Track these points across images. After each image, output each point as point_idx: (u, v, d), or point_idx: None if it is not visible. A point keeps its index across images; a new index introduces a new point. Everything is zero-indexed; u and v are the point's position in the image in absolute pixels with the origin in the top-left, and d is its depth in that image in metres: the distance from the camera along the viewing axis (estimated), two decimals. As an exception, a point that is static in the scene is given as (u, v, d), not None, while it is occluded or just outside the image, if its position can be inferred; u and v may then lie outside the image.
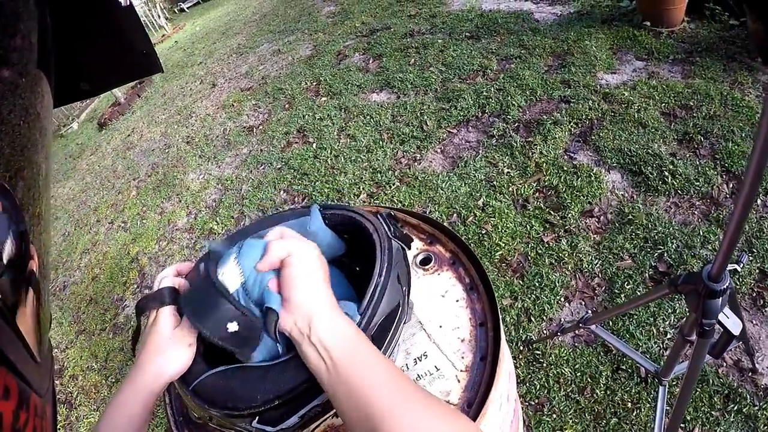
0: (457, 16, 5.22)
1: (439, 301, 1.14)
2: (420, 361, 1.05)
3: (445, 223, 2.87)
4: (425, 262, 1.22)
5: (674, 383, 2.07)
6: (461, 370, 1.01)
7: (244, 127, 4.81)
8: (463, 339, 1.06)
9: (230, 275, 0.79)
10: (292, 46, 6.03)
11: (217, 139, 4.86)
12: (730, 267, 1.20)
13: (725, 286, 1.19)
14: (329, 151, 3.88)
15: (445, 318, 1.10)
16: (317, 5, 7.30)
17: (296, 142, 4.21)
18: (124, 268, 3.91)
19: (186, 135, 5.21)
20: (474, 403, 0.96)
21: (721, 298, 1.21)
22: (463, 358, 1.03)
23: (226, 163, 4.44)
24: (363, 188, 3.42)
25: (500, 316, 1.07)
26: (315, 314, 0.72)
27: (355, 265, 1.05)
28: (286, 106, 4.79)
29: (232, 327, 0.75)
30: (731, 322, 1.25)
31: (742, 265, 1.39)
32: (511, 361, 1.23)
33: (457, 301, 1.13)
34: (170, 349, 0.80)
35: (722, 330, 1.27)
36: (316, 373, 0.70)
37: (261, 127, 4.68)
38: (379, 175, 3.47)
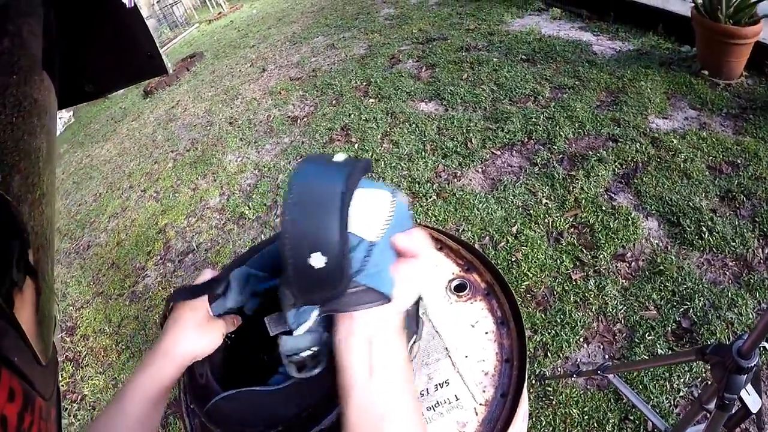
0: (516, 36, 5.18)
1: (468, 331, 1.14)
2: (441, 387, 1.05)
3: (476, 245, 2.91)
4: (460, 288, 1.22)
5: None
6: (480, 404, 1.01)
7: (289, 117, 4.83)
8: (487, 372, 1.06)
9: (364, 218, 0.63)
10: (347, 43, 6.05)
11: (260, 124, 4.89)
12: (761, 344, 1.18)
13: (753, 364, 1.18)
14: (370, 154, 3.89)
15: (472, 349, 1.10)
16: (377, 5, 7.30)
17: (339, 140, 4.22)
18: (150, 238, 3.96)
19: (229, 115, 5.25)
20: (490, 439, 0.96)
21: (746, 375, 1.20)
22: (484, 391, 1.03)
23: (266, 149, 4.47)
24: (399, 197, 3.40)
25: (525, 357, 1.06)
26: (388, 326, 0.65)
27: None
28: (333, 102, 4.81)
29: (318, 261, 0.58)
30: (751, 399, 1.24)
31: None
32: (527, 401, 1.23)
33: (486, 333, 1.13)
34: (209, 330, 0.83)
35: (741, 405, 1.25)
36: (346, 380, 0.63)
37: (305, 119, 4.70)
38: (417, 185, 3.47)
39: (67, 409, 2.91)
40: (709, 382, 1.41)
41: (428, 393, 1.05)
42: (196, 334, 0.82)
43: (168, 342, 0.80)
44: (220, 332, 0.85)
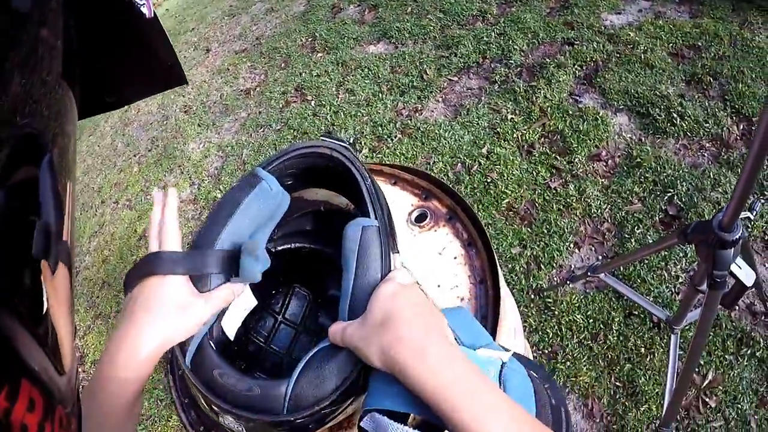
0: (453, -40, 5.01)
1: (436, 260, 1.08)
2: (418, 322, 1.00)
3: (449, 174, 2.86)
4: (421, 218, 1.16)
5: (687, 328, 2.02)
6: (461, 331, 0.96)
7: (242, 91, 4.71)
8: (463, 298, 1.01)
9: None
10: (285, 3, 5.84)
11: (214, 105, 4.77)
12: (742, 215, 1.13)
13: (737, 236, 1.13)
14: (328, 108, 3.80)
15: (443, 277, 1.05)
16: (308, -41, 7.08)
17: (294, 101, 4.12)
18: (133, 246, 3.88)
19: (183, 104, 5.11)
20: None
21: (733, 249, 1.15)
22: (462, 318, 0.98)
23: (225, 129, 4.37)
24: (365, 143, 3.35)
25: (500, 273, 1.01)
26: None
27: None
28: (282, 65, 4.68)
29: None
30: (744, 272, 1.20)
31: (755, 212, 1.32)
32: (518, 316, 1.18)
33: (455, 258, 1.07)
34: (192, 308, 0.75)
35: (735, 281, 1.20)
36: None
37: (258, 89, 4.58)
38: (380, 128, 3.39)
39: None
40: (700, 265, 1.36)
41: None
42: (176, 317, 0.73)
43: (138, 333, 0.71)
44: (209, 309, 0.77)
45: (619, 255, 2.29)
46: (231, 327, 0.91)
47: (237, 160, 3.88)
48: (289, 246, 1.04)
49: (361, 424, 0.66)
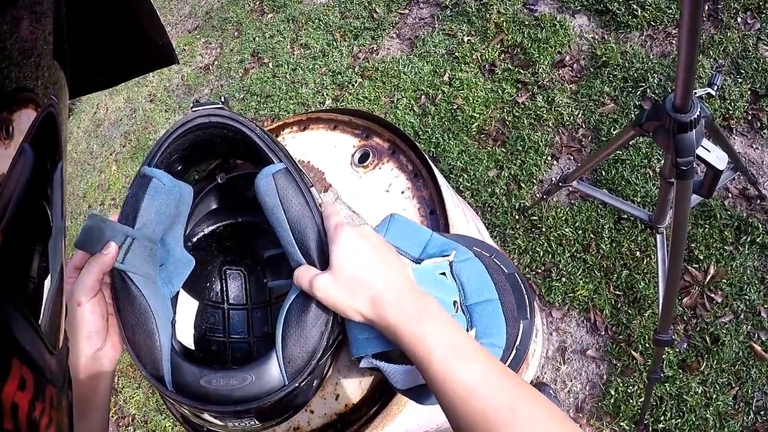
0: None
1: (385, 198, 1.05)
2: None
3: (414, 108, 2.80)
4: (363, 158, 1.11)
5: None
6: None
7: (200, 68, 4.62)
8: (414, 231, 0.97)
9: None
10: (227, -28, 5.69)
11: (177, 88, 4.70)
12: (700, 92, 1.05)
13: (696, 116, 1.04)
14: (286, 67, 3.73)
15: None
16: None
17: (253, 68, 4.05)
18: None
19: (147, 94, 5.02)
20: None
21: (694, 131, 1.07)
22: (416, 249, 0.95)
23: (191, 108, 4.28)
24: (326, 94, 3.30)
25: (445, 203, 0.97)
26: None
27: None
28: (236, 34, 4.57)
29: None
30: (714, 155, 1.12)
31: (716, 87, 1.25)
32: (488, 239, 1.15)
33: (403, 192, 1.04)
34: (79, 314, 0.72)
35: (706, 166, 1.14)
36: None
37: (216, 63, 4.50)
38: (339, 76, 3.32)
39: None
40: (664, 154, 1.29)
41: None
42: (94, 341, 0.72)
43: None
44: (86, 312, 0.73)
45: (587, 158, 2.24)
46: (186, 336, 0.90)
47: (207, 138, 3.83)
48: (203, 233, 0.99)
49: (362, 365, 0.75)
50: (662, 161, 2.15)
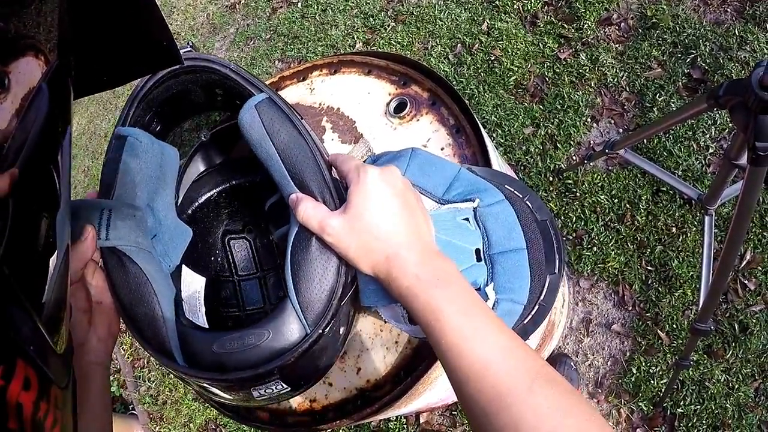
0: None
1: (422, 154, 0.95)
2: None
3: (450, 57, 2.67)
4: (400, 108, 1.01)
5: (724, 207, 1.89)
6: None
7: (227, 6, 4.50)
8: (453, 194, 0.88)
9: None
10: None
11: (202, 26, 4.59)
12: None
13: None
14: (316, 7, 3.61)
15: (429, 173, 0.92)
16: None
17: (281, 7, 3.92)
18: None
19: (172, 32, 4.94)
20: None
21: None
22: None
23: (216, 48, 4.22)
24: (357, 37, 3.18)
25: (494, 158, 0.88)
26: None
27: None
28: (265, -30, 4.45)
29: None
30: None
31: None
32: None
33: (443, 149, 0.94)
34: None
35: None
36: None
37: (243, 1, 4.38)
38: (371, 19, 3.20)
39: (140, 376, 2.95)
40: (736, 134, 1.17)
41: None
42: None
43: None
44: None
45: (641, 126, 2.12)
46: (199, 316, 0.83)
47: (231, 77, 3.75)
48: (197, 203, 0.91)
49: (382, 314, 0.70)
50: (706, 133, 2.04)
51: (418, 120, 0.98)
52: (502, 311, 0.69)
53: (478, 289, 0.68)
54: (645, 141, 2.11)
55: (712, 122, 2.10)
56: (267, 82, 1.12)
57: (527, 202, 0.76)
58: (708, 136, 2.08)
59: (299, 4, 3.78)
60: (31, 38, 0.45)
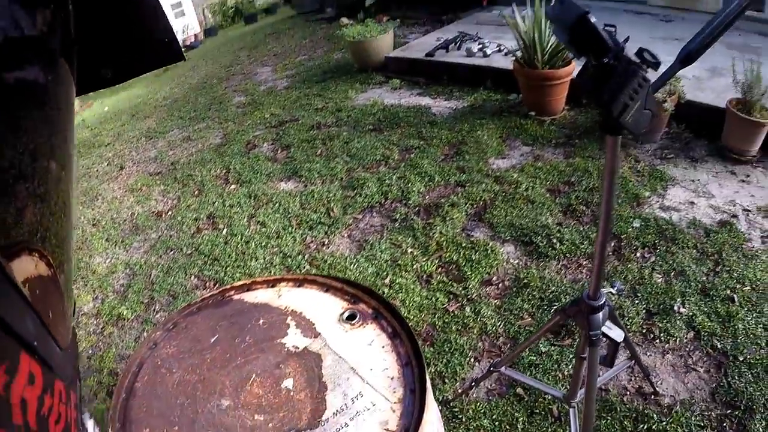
0: (361, 110, 5.62)
1: (367, 349, 1.31)
2: (357, 399, 1.21)
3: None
4: (351, 318, 1.40)
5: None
6: (395, 402, 1.18)
7: (153, 212, 4.79)
8: (393, 377, 1.23)
9: None
10: (202, 134, 6.14)
11: (124, 222, 4.80)
12: (604, 290, 1.48)
13: (602, 302, 1.46)
14: (240, 237, 3.99)
15: (374, 362, 1.27)
16: (228, 95, 7.47)
17: (206, 229, 4.28)
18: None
19: (92, 217, 5.08)
20: (410, 427, 1.12)
21: (601, 313, 1.48)
22: (395, 392, 1.20)
23: (134, 247, 4.41)
24: (274, 272, 3.54)
25: (423, 356, 1.25)
26: None
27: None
28: (196, 192, 4.86)
29: None
30: (614, 332, 1.54)
31: (616, 288, 1.63)
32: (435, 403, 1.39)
33: (383, 347, 1.31)
34: None
35: (608, 340, 1.54)
36: None
37: (170, 213, 4.70)
38: (289, 259, 3.62)
39: None
40: (580, 335, 1.66)
41: (347, 407, 1.19)
42: None
43: None
44: None
45: (515, 347, 2.57)
46: None
47: (145, 279, 3.92)
48: None
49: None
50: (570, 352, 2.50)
51: (364, 327, 1.37)
52: None
53: None
54: (518, 360, 2.52)
55: (571, 345, 2.56)
56: (238, 284, 1.47)
57: None
58: (562, 356, 2.53)
59: (224, 231, 4.16)
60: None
